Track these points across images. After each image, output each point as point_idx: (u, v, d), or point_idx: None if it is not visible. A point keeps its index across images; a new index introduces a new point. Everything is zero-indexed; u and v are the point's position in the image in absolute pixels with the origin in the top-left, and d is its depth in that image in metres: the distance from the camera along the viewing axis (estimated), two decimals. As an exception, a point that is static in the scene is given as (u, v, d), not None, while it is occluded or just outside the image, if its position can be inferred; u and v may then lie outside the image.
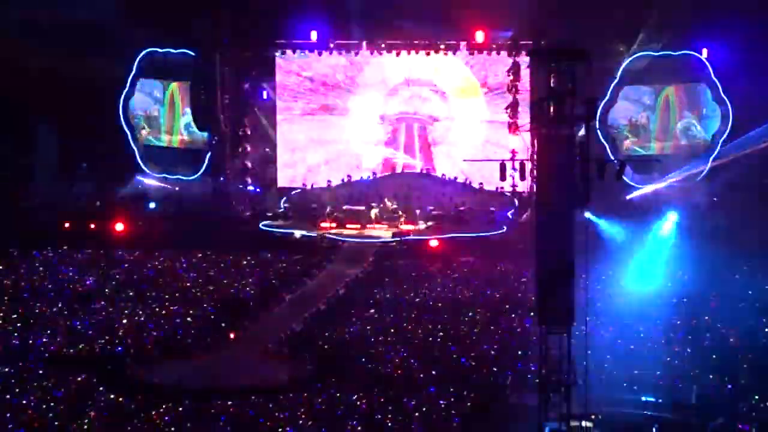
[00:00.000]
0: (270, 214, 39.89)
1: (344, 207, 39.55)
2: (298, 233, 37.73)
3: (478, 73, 41.99)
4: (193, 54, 41.41)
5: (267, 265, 34.36)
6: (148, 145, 43.32)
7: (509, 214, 39.08)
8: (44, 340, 25.70)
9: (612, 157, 37.19)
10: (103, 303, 29.28)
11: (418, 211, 39.22)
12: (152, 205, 42.00)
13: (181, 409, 20.74)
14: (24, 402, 20.85)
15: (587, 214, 20.06)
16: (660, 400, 21.64)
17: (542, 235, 16.50)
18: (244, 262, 34.49)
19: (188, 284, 31.77)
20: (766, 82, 36.21)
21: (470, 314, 27.98)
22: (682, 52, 39.14)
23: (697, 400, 21.37)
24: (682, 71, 39.83)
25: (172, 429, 19.85)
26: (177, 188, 42.39)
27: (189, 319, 27.93)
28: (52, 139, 42.91)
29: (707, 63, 39.09)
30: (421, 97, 42.68)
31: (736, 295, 28.63)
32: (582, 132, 16.86)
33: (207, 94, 41.28)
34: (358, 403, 21.18)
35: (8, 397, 21.17)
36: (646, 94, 40.87)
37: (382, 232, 37.72)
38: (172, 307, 28.98)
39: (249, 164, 42.46)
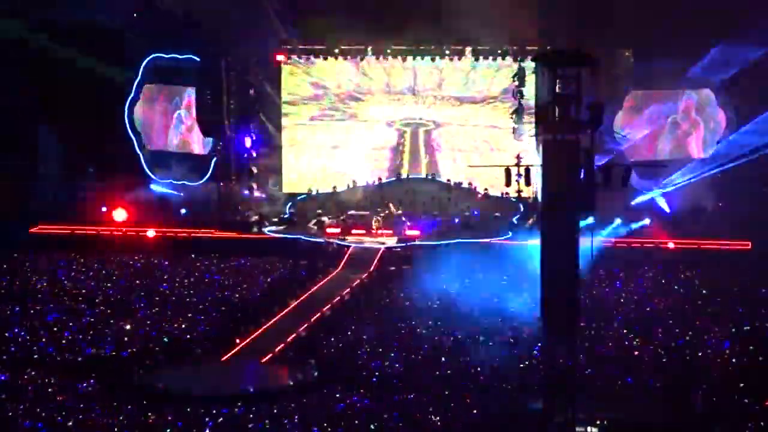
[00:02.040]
0: (275, 220, 39.96)
1: (349, 212, 39.54)
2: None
3: (483, 79, 41.99)
4: (198, 59, 41.44)
5: (272, 270, 34.38)
6: (154, 151, 43.35)
7: (514, 219, 39.07)
8: (48, 345, 25.71)
9: (617, 162, 37.12)
10: (107, 308, 29.28)
11: (422, 217, 39.20)
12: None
13: (186, 415, 20.73)
14: (27, 409, 20.84)
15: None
16: (664, 406, 21.59)
17: (547, 240, 16.47)
18: (249, 268, 34.51)
19: (193, 290, 31.78)
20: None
21: (476, 319, 27.93)
22: (687, 57, 39.07)
23: (702, 406, 21.30)
24: (687, 76, 39.77)
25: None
26: (182, 194, 42.40)
27: (194, 324, 27.92)
28: (53, 141, 42.87)
29: (712, 68, 39.03)
30: (426, 103, 42.68)
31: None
32: (587, 137, 16.83)
33: (212, 99, 41.32)
34: (363, 408, 21.15)
35: (11, 403, 21.17)
36: (651, 98, 40.83)
37: (387, 238, 37.70)
38: (177, 313, 28.99)
39: (254, 170, 42.45)
